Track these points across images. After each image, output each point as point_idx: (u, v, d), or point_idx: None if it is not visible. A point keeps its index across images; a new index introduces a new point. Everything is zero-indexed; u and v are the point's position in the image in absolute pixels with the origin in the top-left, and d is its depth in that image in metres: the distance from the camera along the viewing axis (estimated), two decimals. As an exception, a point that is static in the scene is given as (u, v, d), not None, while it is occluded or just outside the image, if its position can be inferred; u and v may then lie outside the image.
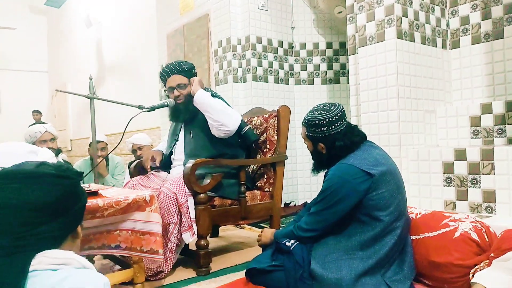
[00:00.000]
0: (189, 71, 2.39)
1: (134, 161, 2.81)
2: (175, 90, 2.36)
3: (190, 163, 2.09)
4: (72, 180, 0.86)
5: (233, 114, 2.29)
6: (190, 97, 2.36)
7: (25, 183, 0.78)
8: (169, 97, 2.40)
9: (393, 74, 2.51)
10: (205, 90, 2.38)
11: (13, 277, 0.71)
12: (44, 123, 4.01)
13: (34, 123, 6.14)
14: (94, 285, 0.75)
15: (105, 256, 2.29)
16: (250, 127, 2.52)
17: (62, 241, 0.83)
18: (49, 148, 2.76)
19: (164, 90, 2.43)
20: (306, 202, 4.06)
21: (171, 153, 2.49)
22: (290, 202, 4.18)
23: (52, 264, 0.76)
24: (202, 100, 2.27)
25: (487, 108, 2.49)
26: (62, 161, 0.85)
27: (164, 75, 2.39)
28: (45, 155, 1.48)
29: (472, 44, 2.74)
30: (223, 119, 2.23)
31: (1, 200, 0.75)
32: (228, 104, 2.47)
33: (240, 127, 2.41)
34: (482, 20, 2.69)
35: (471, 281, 1.01)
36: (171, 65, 2.38)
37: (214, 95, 2.48)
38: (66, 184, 0.83)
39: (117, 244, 1.72)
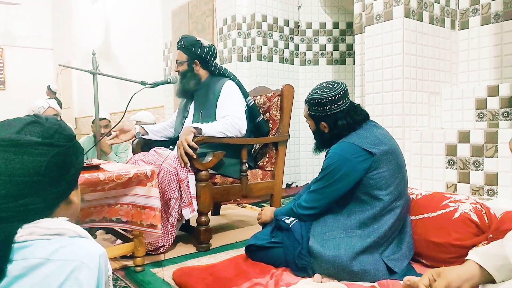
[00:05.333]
0: (187, 48, 2.31)
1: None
2: (177, 64, 2.38)
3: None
4: (60, 148, 0.73)
5: (232, 128, 2.21)
6: (187, 73, 2.35)
7: (3, 152, 0.68)
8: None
9: (399, 54, 2.47)
10: (215, 67, 2.38)
11: None
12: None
13: (49, 98, 6.34)
14: (89, 257, 0.69)
15: (107, 231, 2.32)
16: (263, 118, 2.50)
17: (52, 210, 0.75)
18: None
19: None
20: (308, 183, 4.07)
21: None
22: (292, 183, 4.19)
23: (45, 234, 0.70)
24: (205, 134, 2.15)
25: (493, 91, 2.45)
26: (57, 119, 0.72)
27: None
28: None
29: (481, 25, 2.68)
30: (225, 132, 2.20)
31: None
32: (240, 85, 2.40)
33: (255, 116, 2.43)
34: (493, 0, 2.62)
35: (466, 258, 1.01)
36: (180, 38, 2.37)
37: (224, 74, 2.41)
38: (53, 154, 0.72)
39: (118, 218, 1.74)
